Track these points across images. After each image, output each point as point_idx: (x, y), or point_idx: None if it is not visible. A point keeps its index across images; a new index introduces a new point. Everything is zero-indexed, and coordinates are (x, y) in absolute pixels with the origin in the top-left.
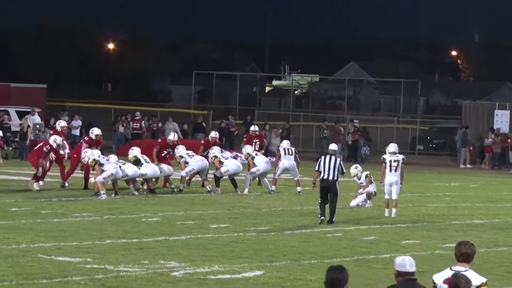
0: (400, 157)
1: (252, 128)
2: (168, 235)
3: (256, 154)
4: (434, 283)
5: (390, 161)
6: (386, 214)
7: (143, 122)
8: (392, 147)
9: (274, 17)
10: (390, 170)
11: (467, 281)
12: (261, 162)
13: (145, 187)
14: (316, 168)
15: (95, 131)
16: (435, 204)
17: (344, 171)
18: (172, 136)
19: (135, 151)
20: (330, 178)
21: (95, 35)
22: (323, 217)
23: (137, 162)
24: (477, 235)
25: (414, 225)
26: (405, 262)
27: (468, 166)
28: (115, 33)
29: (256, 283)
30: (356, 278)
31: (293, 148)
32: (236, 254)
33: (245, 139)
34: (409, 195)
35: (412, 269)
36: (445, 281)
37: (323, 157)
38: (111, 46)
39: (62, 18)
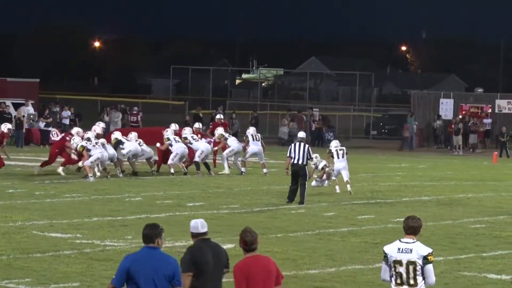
0: (344, 148)
1: (217, 116)
2: (149, 213)
3: (229, 136)
4: (385, 253)
5: (336, 149)
6: (337, 191)
7: (139, 116)
8: (335, 143)
9: (245, 19)
10: (338, 157)
11: (252, 234)
12: (233, 142)
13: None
14: (288, 154)
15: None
16: (387, 183)
17: (312, 156)
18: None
19: (116, 134)
20: (300, 162)
21: (84, 35)
22: (289, 202)
23: (119, 143)
24: (425, 210)
25: (368, 202)
26: (197, 225)
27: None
28: (103, 32)
29: (229, 255)
30: (318, 250)
31: (259, 135)
32: (210, 229)
33: (211, 127)
34: (364, 175)
35: (203, 230)
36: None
37: (293, 144)
38: (97, 44)
39: (55, 20)
